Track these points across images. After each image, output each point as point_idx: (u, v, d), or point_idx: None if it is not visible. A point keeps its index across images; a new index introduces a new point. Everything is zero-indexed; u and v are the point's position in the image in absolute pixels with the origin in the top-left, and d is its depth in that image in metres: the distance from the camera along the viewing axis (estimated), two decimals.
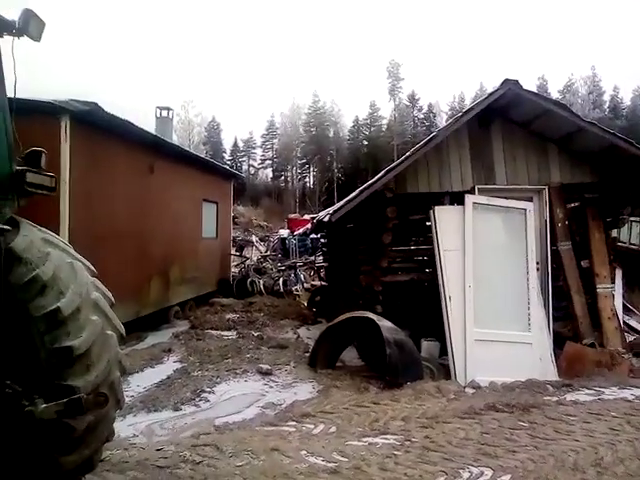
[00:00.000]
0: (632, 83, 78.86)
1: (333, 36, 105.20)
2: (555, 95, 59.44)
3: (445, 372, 6.31)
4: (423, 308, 7.14)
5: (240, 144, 71.02)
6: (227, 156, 68.82)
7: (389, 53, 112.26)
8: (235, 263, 15.70)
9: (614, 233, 9.57)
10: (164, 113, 17.23)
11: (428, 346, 6.78)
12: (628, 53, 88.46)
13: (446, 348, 6.46)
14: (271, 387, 6.03)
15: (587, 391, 5.65)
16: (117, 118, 7.57)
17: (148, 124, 13.70)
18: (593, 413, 4.88)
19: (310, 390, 5.85)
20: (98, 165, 7.60)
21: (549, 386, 5.74)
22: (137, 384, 6.06)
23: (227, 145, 70.65)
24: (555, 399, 5.31)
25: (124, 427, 4.63)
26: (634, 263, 12.27)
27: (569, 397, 5.40)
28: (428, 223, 7.26)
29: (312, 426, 4.62)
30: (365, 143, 66.84)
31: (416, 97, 68.38)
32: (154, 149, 9.46)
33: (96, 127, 7.39)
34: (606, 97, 65.87)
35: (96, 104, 6.88)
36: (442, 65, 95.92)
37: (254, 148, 71.75)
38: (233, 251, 16.00)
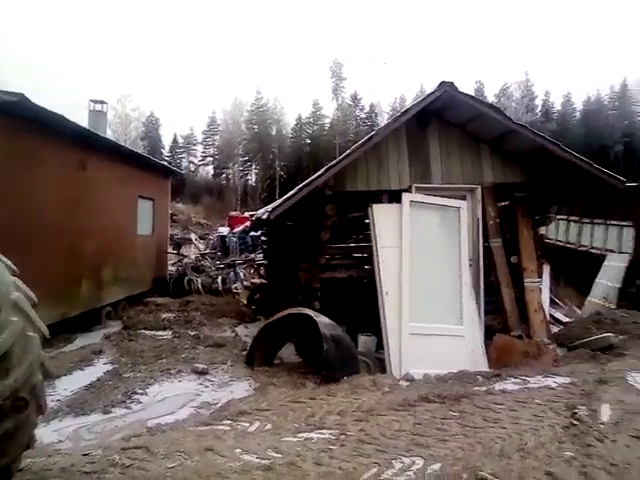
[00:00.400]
0: (562, 89, 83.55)
1: (276, 33, 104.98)
2: (491, 98, 61.93)
3: (381, 366, 6.43)
4: (361, 304, 7.25)
5: (180, 140, 69.47)
6: (166, 152, 67.08)
7: (332, 52, 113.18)
8: (172, 261, 15.33)
9: (542, 230, 10.12)
10: (98, 107, 16.55)
11: (365, 341, 6.89)
12: (559, 60, 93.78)
13: (382, 342, 6.58)
14: (206, 387, 5.92)
15: (514, 380, 5.86)
16: (46, 110, 7.21)
17: (82, 119, 13.19)
18: (519, 401, 5.07)
19: (247, 388, 5.79)
20: (24, 160, 7.22)
21: (479, 377, 5.93)
22: (64, 387, 5.79)
23: (166, 141, 68.93)
24: (484, 389, 5.49)
25: (48, 433, 4.42)
26: (560, 259, 13.01)
27: (497, 386, 5.59)
28: (367, 221, 7.36)
29: (247, 424, 4.57)
30: (308, 142, 67.05)
31: (358, 97, 69.32)
32: (87, 144, 9.11)
33: (23, 120, 7.00)
34: (538, 101, 69.34)
35: (23, 95, 6.53)
36: (384, 66, 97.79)
37: (194, 145, 70.35)
38: (170, 249, 15.62)
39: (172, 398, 5.56)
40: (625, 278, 10.72)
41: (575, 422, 4.49)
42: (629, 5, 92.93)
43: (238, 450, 3.98)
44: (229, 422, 4.64)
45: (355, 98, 68.96)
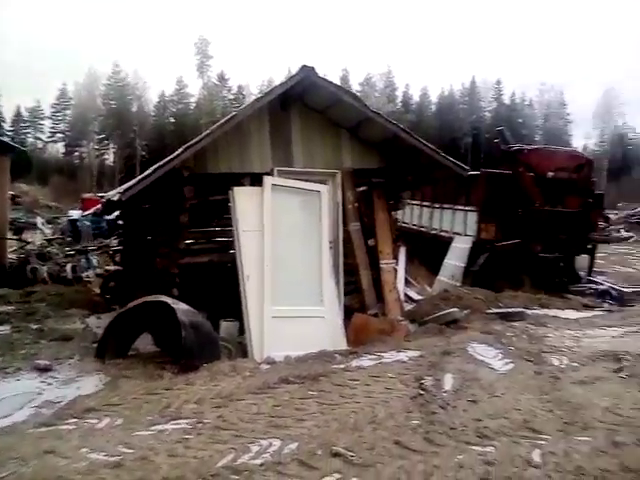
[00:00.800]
0: (420, 82, 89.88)
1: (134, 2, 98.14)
2: (356, 87, 64.53)
3: (243, 351, 6.38)
4: (224, 289, 7.09)
5: (24, 113, 62.50)
6: (7, 126, 60.05)
7: (197, 28, 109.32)
8: (13, 248, 13.76)
9: (399, 215, 10.72)
10: None
11: (227, 326, 6.79)
12: (418, 55, 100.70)
13: (245, 327, 6.53)
14: (50, 384, 5.37)
15: (370, 356, 6.12)
16: None
17: None
18: (373, 376, 5.32)
19: (96, 383, 5.36)
20: None
21: (338, 355, 6.12)
22: None
23: (7, 114, 61.60)
24: (342, 366, 5.68)
25: None
26: (415, 241, 13.93)
27: (354, 363, 5.81)
28: (230, 204, 7.20)
29: (96, 421, 4.25)
30: (172, 120, 64.26)
31: (226, 77, 67.91)
32: None
33: None
34: (399, 93, 73.74)
35: None
36: (253, 48, 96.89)
37: (42, 119, 63.71)
38: (10, 234, 14.00)
39: (8, 399, 4.96)
40: (469, 258, 11.73)
41: (422, 392, 4.84)
42: (479, 12, 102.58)
43: (84, 449, 3.69)
44: (74, 420, 4.28)
45: (222, 78, 67.48)
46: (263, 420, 4.23)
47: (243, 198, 6.81)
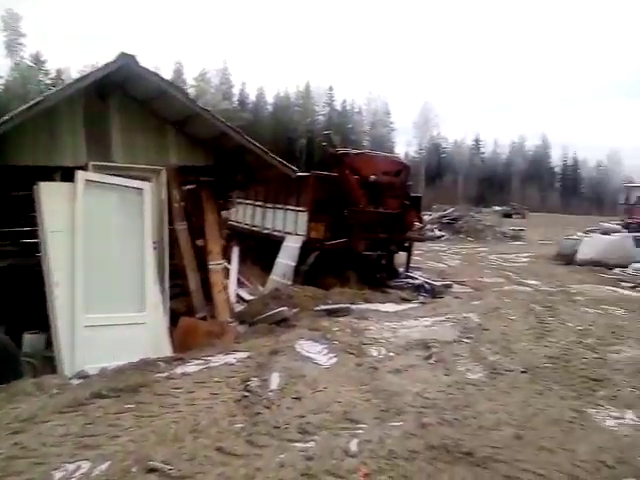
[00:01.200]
0: (257, 81, 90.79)
1: None
2: (190, 82, 62.78)
3: (52, 366, 5.71)
4: (28, 298, 6.28)
5: None
6: None
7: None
8: None
9: (232, 214, 10.53)
10: None
11: (31, 340, 6.02)
12: (255, 52, 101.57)
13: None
14: None
15: (197, 361, 5.91)
16: None
17: None
18: (198, 382, 5.15)
19: None
20: None
21: (161, 363, 5.77)
22: None
23: None
24: (165, 374, 5.39)
25: None
26: (248, 241, 13.95)
27: (179, 370, 5.55)
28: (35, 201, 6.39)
29: None
30: None
31: (42, 59, 61.21)
32: None
33: None
34: (236, 90, 73.63)
35: None
36: (78, 31, 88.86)
37: None
38: None
39: None
40: (300, 257, 12.05)
41: (247, 394, 4.80)
42: (313, 17, 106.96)
43: None
44: None
45: (38, 59, 60.63)
46: (71, 441, 3.83)
47: (51, 195, 6.09)
